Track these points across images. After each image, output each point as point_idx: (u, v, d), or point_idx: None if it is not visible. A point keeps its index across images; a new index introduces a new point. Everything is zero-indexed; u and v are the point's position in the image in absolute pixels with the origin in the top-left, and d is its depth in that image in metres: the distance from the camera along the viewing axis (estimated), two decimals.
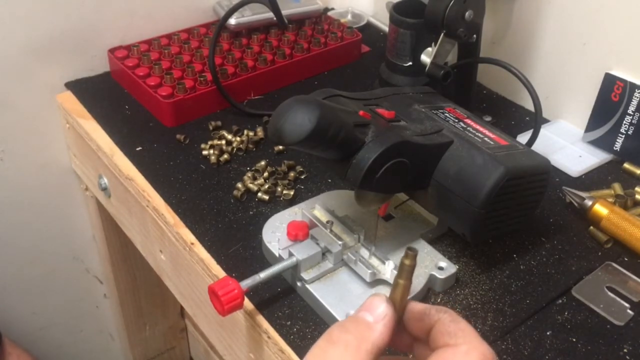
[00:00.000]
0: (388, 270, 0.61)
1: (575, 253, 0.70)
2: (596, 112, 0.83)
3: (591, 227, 0.72)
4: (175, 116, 0.87)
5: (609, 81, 0.80)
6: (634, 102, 0.79)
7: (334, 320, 0.59)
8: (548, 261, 0.68)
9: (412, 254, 0.41)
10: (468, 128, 0.66)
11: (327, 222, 0.65)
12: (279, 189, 0.76)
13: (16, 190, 1.01)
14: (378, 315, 0.40)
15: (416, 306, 0.42)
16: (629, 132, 0.81)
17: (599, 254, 0.70)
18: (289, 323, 0.61)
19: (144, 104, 0.91)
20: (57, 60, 0.95)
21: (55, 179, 1.05)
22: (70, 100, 0.94)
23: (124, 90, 0.95)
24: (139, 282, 1.20)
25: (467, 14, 0.75)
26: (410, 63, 0.84)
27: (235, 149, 0.83)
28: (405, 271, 0.41)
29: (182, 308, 1.31)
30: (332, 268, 0.63)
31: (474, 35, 0.78)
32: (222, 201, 0.75)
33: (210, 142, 0.83)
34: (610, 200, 0.74)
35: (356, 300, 0.60)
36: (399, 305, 0.41)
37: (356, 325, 0.39)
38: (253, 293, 0.63)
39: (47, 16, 0.91)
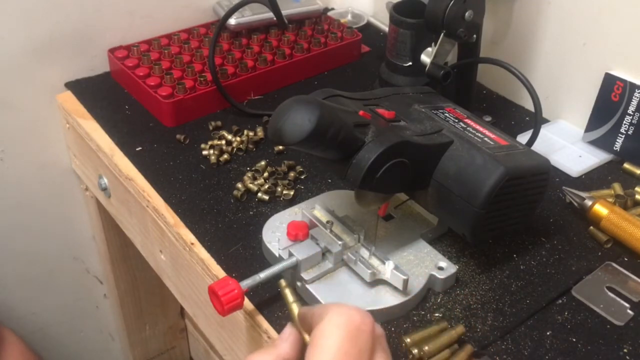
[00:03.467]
0: (388, 270, 0.61)
1: (575, 253, 0.70)
2: (596, 112, 0.83)
3: (591, 227, 0.72)
4: (175, 116, 0.87)
5: (609, 81, 0.80)
6: (634, 102, 0.79)
7: None
8: (548, 261, 0.68)
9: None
10: (468, 128, 0.66)
11: (327, 222, 0.65)
12: (279, 189, 0.76)
13: (16, 191, 1.01)
14: (283, 336, 0.46)
15: (301, 310, 0.47)
16: (629, 132, 0.81)
17: (599, 254, 0.70)
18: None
19: (144, 104, 0.91)
20: (57, 60, 0.95)
21: (55, 179, 1.05)
22: (70, 100, 0.94)
23: (124, 91, 0.95)
24: (139, 282, 1.20)
25: (467, 14, 0.75)
26: (410, 63, 0.84)
27: (235, 149, 0.83)
28: (286, 295, 0.49)
29: (182, 308, 1.31)
30: (332, 268, 0.63)
31: (474, 35, 0.78)
32: (222, 201, 0.75)
33: (210, 142, 0.83)
34: (610, 200, 0.74)
35: (356, 300, 0.60)
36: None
37: (266, 346, 0.46)
38: (253, 293, 0.63)
39: (47, 16, 0.91)
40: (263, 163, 0.80)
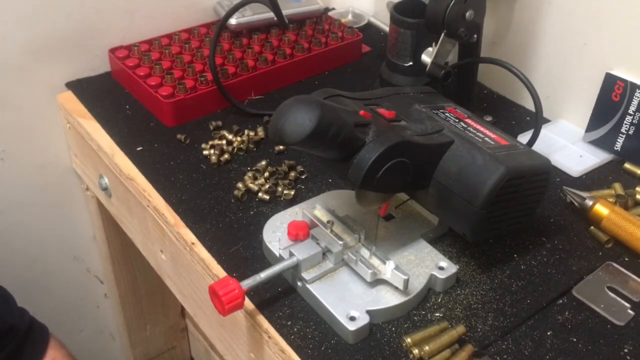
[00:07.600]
0: (389, 270, 0.61)
1: (575, 253, 0.70)
2: (597, 112, 0.83)
3: (592, 227, 0.72)
4: (175, 116, 0.87)
5: (610, 81, 0.80)
6: (635, 102, 0.79)
7: (334, 320, 0.59)
8: (549, 261, 0.68)
9: None
10: (469, 128, 0.66)
11: (328, 222, 0.65)
12: (280, 189, 0.76)
13: (17, 190, 1.01)
14: None
15: None
16: (629, 132, 0.81)
17: (600, 253, 0.70)
18: (289, 323, 0.61)
19: (145, 103, 0.91)
20: (58, 60, 0.95)
21: (56, 179, 1.05)
22: (71, 100, 0.94)
23: (125, 90, 0.95)
24: (139, 282, 1.20)
25: (467, 13, 0.75)
26: (411, 63, 0.84)
27: (235, 149, 0.83)
28: None
29: (182, 308, 1.31)
30: (332, 268, 0.63)
31: (475, 35, 0.78)
32: (223, 201, 0.76)
33: (210, 142, 0.83)
34: (611, 200, 0.74)
35: (356, 300, 0.61)
36: None
37: None
38: (254, 293, 0.63)
39: (48, 16, 0.91)
40: (264, 163, 0.80)
